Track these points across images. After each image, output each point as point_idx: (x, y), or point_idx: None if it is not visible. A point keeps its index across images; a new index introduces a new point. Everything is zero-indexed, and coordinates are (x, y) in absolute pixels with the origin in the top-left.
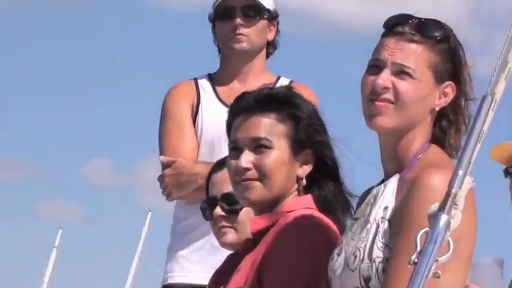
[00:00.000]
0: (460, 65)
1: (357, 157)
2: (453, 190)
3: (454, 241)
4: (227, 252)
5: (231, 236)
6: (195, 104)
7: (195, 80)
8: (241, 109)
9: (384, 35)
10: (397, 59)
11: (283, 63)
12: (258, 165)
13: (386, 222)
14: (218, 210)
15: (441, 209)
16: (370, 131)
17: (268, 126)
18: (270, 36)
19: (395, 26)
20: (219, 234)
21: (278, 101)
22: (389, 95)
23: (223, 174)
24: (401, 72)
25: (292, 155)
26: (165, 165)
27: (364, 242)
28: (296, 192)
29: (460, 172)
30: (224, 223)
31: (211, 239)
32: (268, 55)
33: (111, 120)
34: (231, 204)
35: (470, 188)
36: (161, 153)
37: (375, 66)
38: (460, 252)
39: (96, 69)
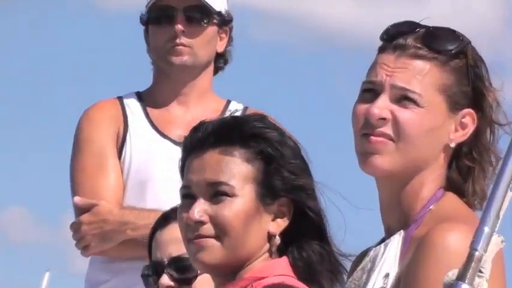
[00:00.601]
0: (482, 87)
1: (351, 207)
2: (477, 253)
3: None
4: None
5: None
6: (120, 131)
7: (120, 99)
8: (197, 143)
9: (382, 50)
10: (398, 81)
11: (245, 81)
12: (215, 218)
13: None
14: (165, 280)
15: (461, 277)
16: (368, 176)
17: (229, 167)
18: (220, 46)
19: (395, 37)
20: None
21: (245, 134)
22: (387, 129)
23: (172, 232)
24: (403, 98)
25: (262, 205)
26: (82, 210)
27: None
28: (267, 254)
29: (486, 229)
30: None
31: None
32: (216, 71)
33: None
34: (182, 271)
35: (498, 250)
36: (75, 194)
37: (370, 91)
38: None
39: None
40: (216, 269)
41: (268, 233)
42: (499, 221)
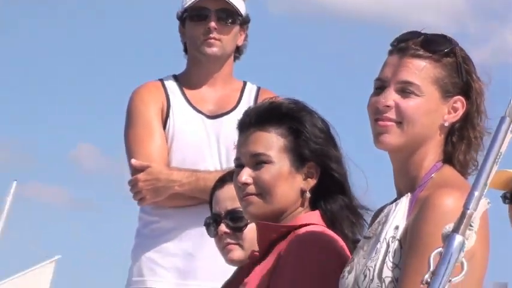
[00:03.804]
0: (469, 79)
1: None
2: (468, 211)
3: (467, 261)
4: (202, 261)
5: (237, 252)
6: (164, 106)
7: (161, 81)
8: (244, 125)
9: (390, 53)
10: (400, 77)
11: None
12: (256, 180)
13: (397, 242)
14: (223, 227)
15: (456, 229)
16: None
17: (267, 141)
18: (240, 41)
19: (400, 42)
20: (224, 251)
21: (279, 115)
22: (391, 114)
23: (227, 191)
24: (404, 90)
25: (294, 169)
26: (138, 170)
27: (374, 261)
28: (302, 208)
29: (476, 193)
30: (229, 240)
31: (185, 244)
32: (234, 59)
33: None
34: (236, 221)
35: (484, 210)
36: (131, 157)
37: (380, 87)
38: (472, 273)
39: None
40: (259, 218)
41: (301, 189)
42: (486, 187)
